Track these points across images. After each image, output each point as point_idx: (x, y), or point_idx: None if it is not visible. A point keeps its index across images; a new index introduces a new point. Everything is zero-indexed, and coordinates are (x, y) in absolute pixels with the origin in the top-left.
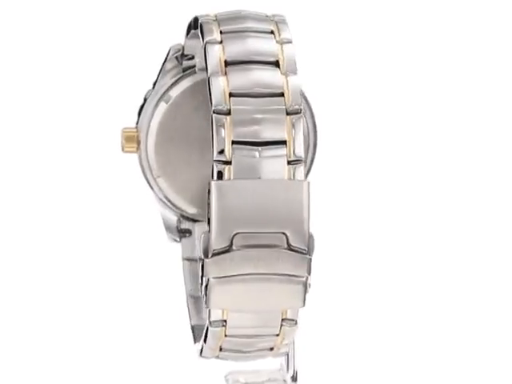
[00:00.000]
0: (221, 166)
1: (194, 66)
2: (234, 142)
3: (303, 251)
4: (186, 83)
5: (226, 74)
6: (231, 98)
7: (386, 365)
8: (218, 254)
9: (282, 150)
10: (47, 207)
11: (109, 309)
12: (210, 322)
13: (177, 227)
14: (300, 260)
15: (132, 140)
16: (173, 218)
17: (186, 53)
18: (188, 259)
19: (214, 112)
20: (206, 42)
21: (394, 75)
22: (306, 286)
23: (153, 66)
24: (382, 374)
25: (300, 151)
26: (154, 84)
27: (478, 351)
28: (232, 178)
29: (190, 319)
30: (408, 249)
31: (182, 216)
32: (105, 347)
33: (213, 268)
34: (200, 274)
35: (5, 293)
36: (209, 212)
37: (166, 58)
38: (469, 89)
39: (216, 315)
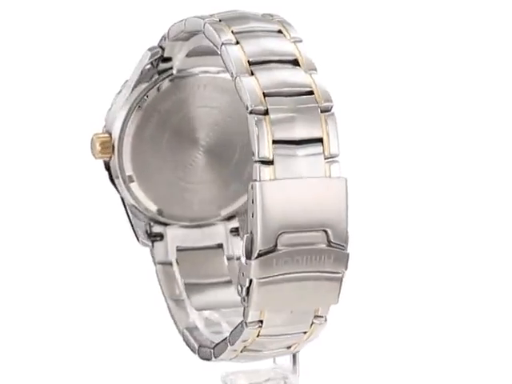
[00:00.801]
0: (263, 166)
1: (169, 69)
2: (274, 142)
3: (342, 247)
4: (161, 87)
5: (252, 74)
6: (266, 98)
7: (389, 364)
8: (264, 254)
9: (319, 148)
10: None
11: (100, 311)
12: (247, 323)
13: (146, 231)
14: (340, 256)
15: (107, 146)
16: (142, 223)
17: (166, 55)
18: (161, 263)
19: (251, 112)
20: (223, 44)
21: (389, 71)
22: (341, 282)
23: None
24: (385, 372)
25: (335, 148)
26: (123, 88)
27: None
28: (275, 177)
29: (177, 324)
30: (409, 247)
31: (153, 220)
32: (99, 349)
33: (257, 269)
34: (240, 274)
35: None
36: (251, 213)
37: (144, 62)
38: (469, 93)
39: (254, 316)
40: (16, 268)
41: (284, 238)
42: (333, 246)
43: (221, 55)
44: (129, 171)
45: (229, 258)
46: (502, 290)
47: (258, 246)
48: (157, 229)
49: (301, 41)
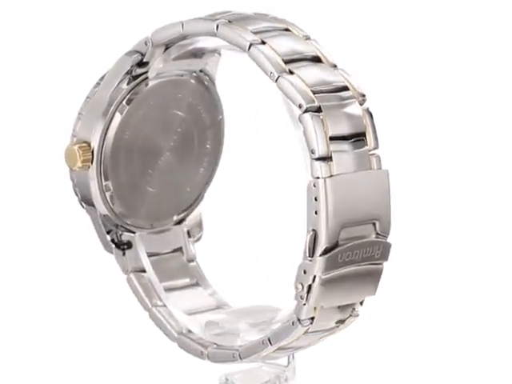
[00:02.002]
0: (323, 164)
1: (144, 74)
2: (331, 138)
3: (386, 238)
4: (138, 92)
5: (291, 72)
6: (315, 95)
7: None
8: (329, 250)
9: (363, 142)
10: None
11: (99, 312)
12: (301, 320)
13: (113, 240)
14: (386, 247)
15: (88, 155)
16: (112, 233)
17: (144, 60)
18: (135, 271)
19: (306, 111)
20: (251, 44)
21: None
22: (382, 273)
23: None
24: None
25: (376, 141)
26: (96, 94)
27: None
28: (334, 173)
29: (168, 331)
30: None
31: (121, 228)
32: (99, 349)
33: (323, 265)
34: (300, 272)
35: None
36: (314, 210)
37: (125, 68)
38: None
39: (309, 313)
40: None
41: (343, 233)
42: (379, 238)
43: (251, 55)
44: (106, 180)
45: (189, 261)
46: None
47: (324, 243)
48: (126, 237)
49: (309, 38)
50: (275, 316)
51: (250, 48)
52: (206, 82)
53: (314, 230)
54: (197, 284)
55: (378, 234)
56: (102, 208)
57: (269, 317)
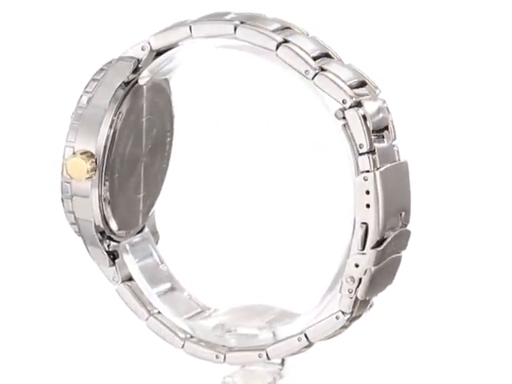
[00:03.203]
0: (371, 156)
1: (133, 80)
2: (373, 132)
3: (406, 227)
4: (130, 98)
5: (322, 69)
6: (353, 91)
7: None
8: (381, 242)
9: (388, 135)
10: None
11: (102, 313)
12: (344, 314)
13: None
14: (408, 235)
15: (94, 165)
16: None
17: (140, 65)
18: (126, 280)
19: (351, 107)
20: (280, 43)
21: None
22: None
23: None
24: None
25: (395, 133)
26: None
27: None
28: (378, 166)
29: (172, 338)
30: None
31: (109, 238)
32: (101, 350)
33: (373, 258)
34: (350, 266)
35: None
36: (365, 204)
37: (125, 74)
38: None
39: (349, 306)
40: None
41: (388, 223)
42: (403, 227)
43: (280, 55)
44: (105, 191)
45: (160, 264)
46: None
47: (376, 236)
48: (113, 247)
49: (309, 35)
50: (281, 313)
51: (278, 48)
52: (170, 87)
53: (364, 223)
54: (173, 288)
55: (403, 223)
56: (98, 219)
57: (274, 314)
